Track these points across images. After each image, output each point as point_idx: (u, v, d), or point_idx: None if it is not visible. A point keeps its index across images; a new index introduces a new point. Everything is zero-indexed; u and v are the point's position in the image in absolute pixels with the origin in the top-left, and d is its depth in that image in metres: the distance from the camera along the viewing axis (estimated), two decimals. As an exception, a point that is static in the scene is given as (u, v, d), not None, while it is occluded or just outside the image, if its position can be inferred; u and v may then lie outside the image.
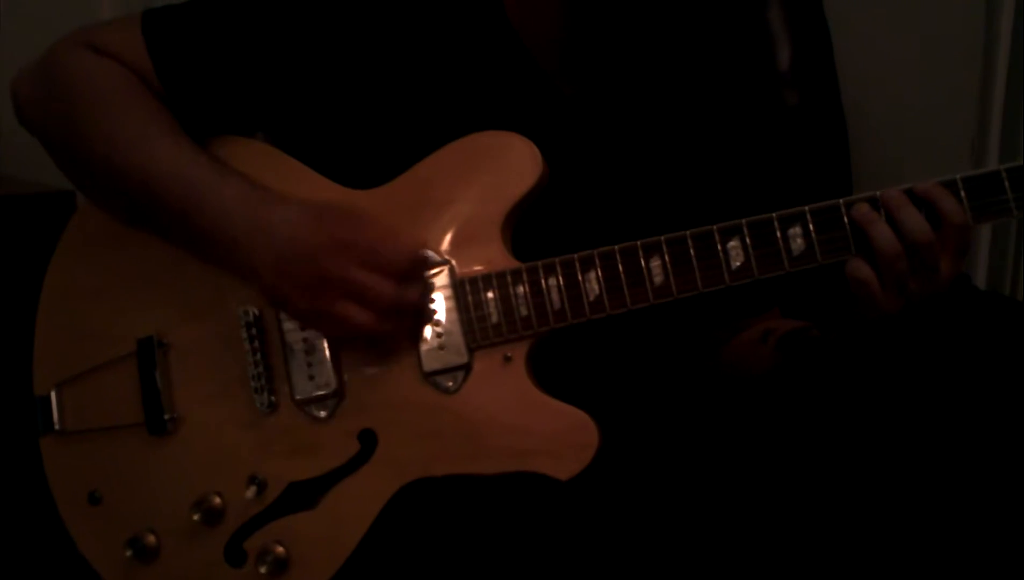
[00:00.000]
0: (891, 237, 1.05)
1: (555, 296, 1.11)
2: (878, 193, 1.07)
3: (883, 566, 1.13)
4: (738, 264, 1.08)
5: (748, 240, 1.08)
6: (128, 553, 1.16)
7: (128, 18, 1.22)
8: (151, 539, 1.17)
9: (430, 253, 1.14)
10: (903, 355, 1.16)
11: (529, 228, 1.16)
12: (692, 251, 1.09)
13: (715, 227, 1.08)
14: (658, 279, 1.09)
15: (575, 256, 1.11)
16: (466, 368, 1.12)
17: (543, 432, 1.11)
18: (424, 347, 1.13)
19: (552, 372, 1.14)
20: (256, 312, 1.16)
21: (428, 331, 1.13)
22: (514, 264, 1.13)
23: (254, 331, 1.16)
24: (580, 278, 1.11)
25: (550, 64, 1.22)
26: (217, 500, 1.16)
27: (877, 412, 1.19)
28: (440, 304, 1.13)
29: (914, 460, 1.16)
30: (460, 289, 1.13)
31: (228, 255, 1.13)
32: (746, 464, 1.16)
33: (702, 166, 1.27)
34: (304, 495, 1.14)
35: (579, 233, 1.17)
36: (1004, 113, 2.12)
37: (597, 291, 1.10)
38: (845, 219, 1.07)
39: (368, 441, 1.14)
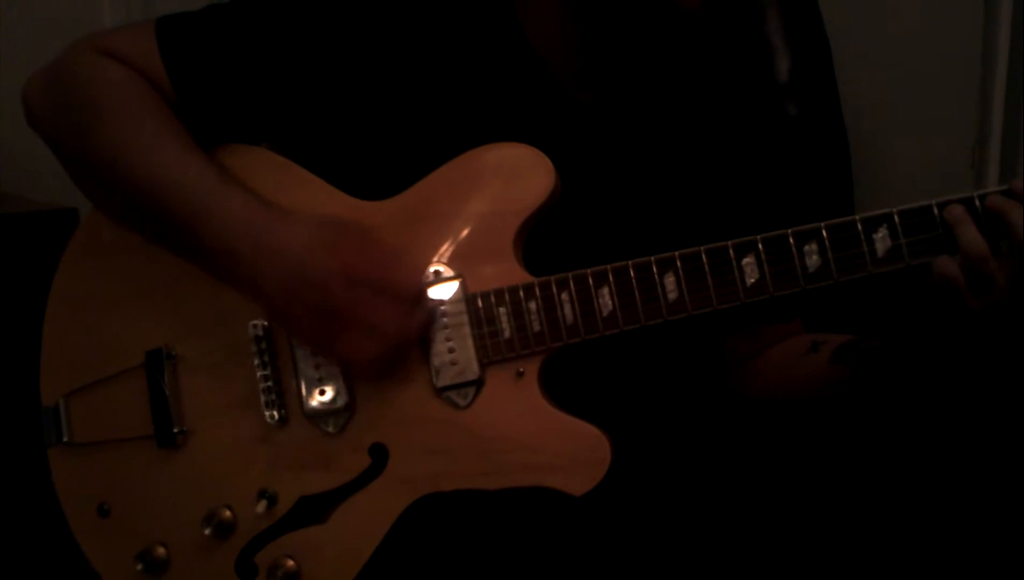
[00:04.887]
0: (978, 238, 1.02)
1: (568, 311, 1.11)
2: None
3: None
4: (753, 281, 1.07)
5: (763, 256, 1.07)
6: (138, 567, 1.16)
7: (141, 24, 1.21)
8: (161, 552, 1.17)
9: (441, 267, 1.13)
10: (906, 364, 1.14)
11: (542, 238, 1.15)
12: (707, 267, 1.07)
13: (730, 243, 1.07)
14: (672, 295, 1.09)
15: (588, 271, 1.10)
16: (478, 384, 1.11)
17: (555, 448, 1.10)
18: (436, 362, 1.12)
19: (564, 383, 1.13)
20: (265, 325, 1.15)
21: (440, 346, 1.12)
22: (527, 278, 1.12)
23: (263, 345, 1.15)
24: (593, 294, 1.10)
25: (565, 73, 1.22)
26: (227, 514, 1.15)
27: (878, 426, 1.18)
28: (452, 319, 1.12)
29: (922, 472, 1.16)
30: (472, 304, 1.12)
31: (232, 270, 1.12)
32: (761, 477, 1.16)
33: (706, 177, 1.26)
34: (315, 509, 1.14)
35: (591, 240, 1.16)
36: (1004, 121, 2.12)
37: (611, 307, 1.10)
38: (862, 236, 1.06)
39: (379, 456, 1.13)
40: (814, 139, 1.70)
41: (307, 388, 1.14)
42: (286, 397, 1.15)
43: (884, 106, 2.04)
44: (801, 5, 1.71)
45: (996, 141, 2.14)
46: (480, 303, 1.12)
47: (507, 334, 1.11)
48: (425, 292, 1.11)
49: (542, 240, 1.15)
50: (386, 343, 1.09)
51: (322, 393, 1.14)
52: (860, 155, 1.81)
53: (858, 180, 1.79)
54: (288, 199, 1.16)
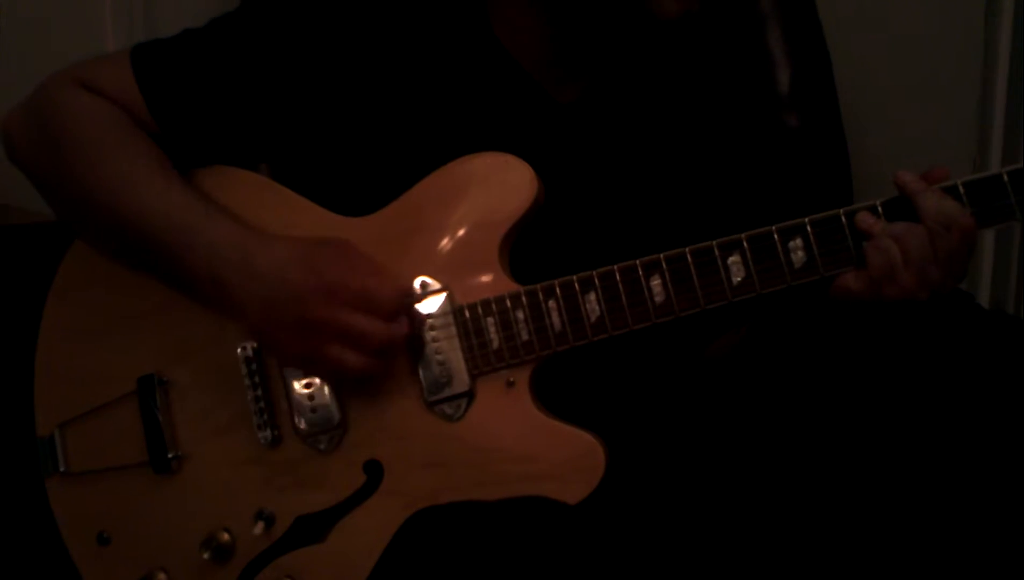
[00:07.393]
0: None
1: (556, 319, 1.10)
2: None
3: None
4: (739, 279, 1.07)
5: (748, 255, 1.06)
6: (140, 594, 1.16)
7: (120, 53, 1.20)
8: (162, 578, 1.17)
9: (428, 279, 1.12)
10: (909, 371, 1.15)
11: (528, 244, 1.14)
12: (692, 268, 1.07)
13: (715, 242, 1.07)
14: (659, 298, 1.08)
15: (574, 277, 1.09)
16: (469, 395, 1.11)
17: (549, 457, 1.09)
18: (426, 376, 1.11)
19: (557, 388, 1.13)
20: (255, 346, 1.15)
21: (430, 359, 1.11)
22: (513, 287, 1.11)
23: (254, 366, 1.15)
24: (580, 300, 1.09)
25: (540, 73, 1.21)
26: (226, 536, 1.15)
27: (880, 433, 1.18)
28: (440, 332, 1.12)
29: (913, 479, 1.15)
30: (460, 315, 1.11)
31: (217, 297, 1.12)
32: (753, 479, 1.15)
33: (701, 189, 1.25)
34: (313, 528, 1.14)
35: (577, 246, 1.15)
36: (1005, 131, 2.11)
37: (598, 312, 1.09)
38: (846, 229, 1.05)
39: (374, 472, 1.13)
40: (814, 150, 1.70)
41: (299, 407, 1.14)
42: (278, 417, 1.15)
43: (885, 117, 2.03)
44: (801, 16, 1.71)
45: (997, 151, 2.13)
46: (468, 314, 1.11)
47: (496, 344, 1.11)
48: (408, 301, 1.10)
49: (527, 246, 1.14)
50: (371, 352, 1.08)
51: (314, 411, 1.14)
52: (860, 167, 1.79)
53: (858, 191, 1.78)
54: (271, 219, 1.16)
